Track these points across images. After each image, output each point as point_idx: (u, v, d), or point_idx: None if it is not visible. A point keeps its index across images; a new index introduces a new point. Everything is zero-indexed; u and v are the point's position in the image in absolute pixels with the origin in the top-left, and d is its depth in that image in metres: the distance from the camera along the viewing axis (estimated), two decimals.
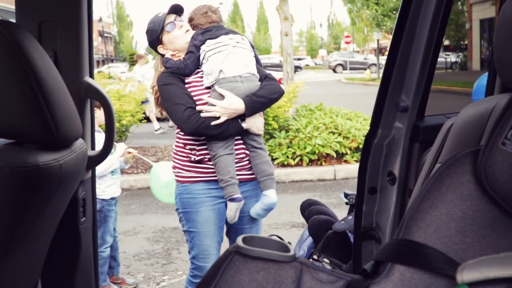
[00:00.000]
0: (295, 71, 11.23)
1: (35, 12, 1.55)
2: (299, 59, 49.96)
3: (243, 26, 77.16)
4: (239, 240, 1.02)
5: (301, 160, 7.71)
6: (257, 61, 2.93)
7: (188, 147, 2.88)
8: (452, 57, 25.48)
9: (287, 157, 7.70)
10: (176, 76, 2.83)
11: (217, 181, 2.83)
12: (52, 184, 1.24)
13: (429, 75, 2.14)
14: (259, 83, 2.83)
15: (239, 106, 2.73)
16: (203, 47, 2.79)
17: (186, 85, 2.83)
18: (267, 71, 2.98)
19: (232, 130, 2.78)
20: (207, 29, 2.85)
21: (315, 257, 2.83)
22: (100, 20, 51.76)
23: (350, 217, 2.74)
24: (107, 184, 3.83)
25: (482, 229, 0.98)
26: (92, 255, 1.75)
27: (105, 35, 56.77)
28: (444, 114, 2.27)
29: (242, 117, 2.78)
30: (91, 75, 1.67)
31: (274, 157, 7.72)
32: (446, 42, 25.18)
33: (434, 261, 0.98)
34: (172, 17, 2.87)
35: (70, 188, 1.41)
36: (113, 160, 3.81)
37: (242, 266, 1.00)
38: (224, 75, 2.73)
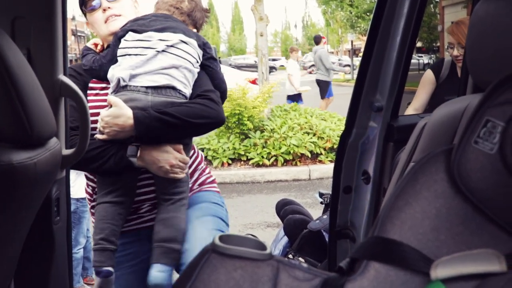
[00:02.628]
0: (270, 72, 11.26)
1: (8, 9, 1.52)
2: (274, 60, 50.03)
3: (218, 26, 77.10)
4: (216, 239, 1.02)
5: (276, 160, 7.73)
6: (211, 75, 2.10)
7: (89, 186, 2.16)
8: (425, 59, 25.82)
9: (262, 157, 7.71)
10: (84, 76, 2.09)
11: (135, 230, 2.09)
12: (26, 182, 1.22)
13: (403, 75, 2.17)
14: (182, 101, 1.96)
15: (126, 120, 1.87)
16: (122, 41, 2.01)
17: (89, 91, 2.07)
18: (212, 93, 2.03)
19: (112, 164, 1.93)
20: (145, 16, 2.08)
21: (290, 256, 2.85)
22: (74, 19, 51.18)
23: (325, 216, 2.77)
24: (82, 182, 3.79)
25: (455, 227, 1.00)
26: (66, 255, 1.73)
27: (78, 34, 56.16)
28: (417, 114, 2.30)
29: (135, 144, 1.94)
30: (66, 73, 1.66)
31: (249, 157, 7.72)
32: (418, 44, 25.50)
33: (409, 258, 0.99)
34: None
35: (44, 187, 1.39)
36: None
37: (219, 265, 1.00)
38: (125, 84, 1.92)
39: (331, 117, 8.89)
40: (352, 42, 34.11)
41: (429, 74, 3.40)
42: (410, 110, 3.34)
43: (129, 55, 1.96)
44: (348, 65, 35.91)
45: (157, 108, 1.90)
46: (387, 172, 2.19)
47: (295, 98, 11.15)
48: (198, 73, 2.05)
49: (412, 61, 2.23)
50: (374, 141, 2.22)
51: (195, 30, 2.16)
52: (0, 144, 1.21)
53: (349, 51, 41.65)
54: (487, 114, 0.96)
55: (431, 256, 0.99)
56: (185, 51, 1.99)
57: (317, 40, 12.66)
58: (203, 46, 2.08)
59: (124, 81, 1.91)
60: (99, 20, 2.10)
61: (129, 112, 1.87)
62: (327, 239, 2.61)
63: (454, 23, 3.26)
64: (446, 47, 3.31)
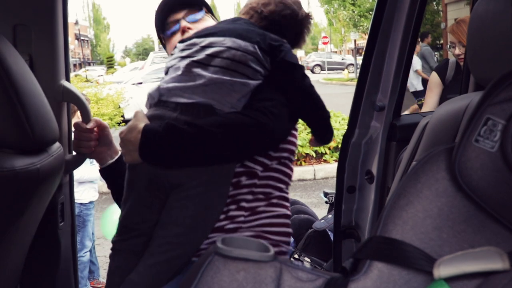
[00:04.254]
0: None
1: (9, 16, 1.53)
2: None
3: None
4: (218, 241, 1.03)
5: None
6: (283, 85, 1.57)
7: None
8: None
9: None
10: None
11: None
12: (29, 188, 1.23)
13: (404, 74, 2.17)
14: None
15: (137, 135, 1.44)
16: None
17: None
18: (262, 102, 1.50)
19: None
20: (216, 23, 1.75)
21: (296, 256, 2.85)
22: (77, 23, 51.36)
23: (330, 216, 2.77)
24: (85, 187, 3.82)
25: (458, 225, 1.00)
26: (72, 259, 1.74)
27: (82, 38, 56.34)
28: (420, 113, 2.30)
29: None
30: (67, 79, 1.67)
31: None
32: None
33: (412, 258, 0.99)
34: (180, 13, 1.79)
35: (48, 193, 1.40)
36: (94, 170, 3.83)
37: (222, 267, 1.00)
38: (154, 101, 1.55)
39: (335, 117, 8.88)
40: (355, 41, 34.04)
41: (434, 77, 3.38)
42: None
43: (169, 68, 1.61)
44: (352, 64, 35.86)
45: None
46: (390, 171, 2.19)
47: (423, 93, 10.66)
48: (261, 83, 1.55)
49: (417, 58, 2.23)
50: (377, 141, 2.22)
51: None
52: (2, 150, 1.22)
53: (352, 50, 41.61)
54: (487, 112, 0.96)
55: (433, 255, 0.99)
56: (235, 61, 1.53)
57: (422, 37, 11.96)
58: (272, 49, 1.59)
59: (153, 98, 1.56)
60: (175, 45, 1.72)
61: (141, 125, 1.46)
62: (332, 239, 2.62)
63: (454, 22, 3.24)
64: (448, 46, 3.28)
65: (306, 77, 1.60)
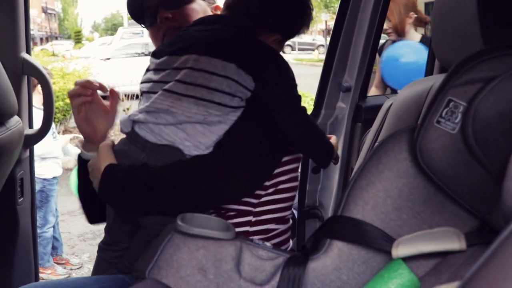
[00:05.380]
0: None
1: None
2: None
3: None
4: (178, 219, 1.02)
5: None
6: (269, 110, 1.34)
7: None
8: None
9: None
10: None
11: None
12: None
13: (371, 56, 2.18)
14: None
15: (99, 176, 1.31)
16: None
17: None
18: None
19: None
20: (195, 21, 1.46)
21: None
22: None
23: None
24: (49, 163, 3.76)
25: (417, 206, 1.01)
26: (31, 236, 1.71)
27: (49, 11, 55.08)
28: (385, 95, 2.31)
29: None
30: (28, 51, 1.62)
31: None
32: None
33: (372, 237, 1.00)
34: None
35: (5, 167, 1.37)
36: (56, 146, 3.77)
37: (181, 244, 1.00)
38: (127, 130, 1.38)
39: (304, 97, 8.89)
40: (326, 22, 34.08)
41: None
42: (373, 89, 3.42)
43: (143, 93, 1.41)
44: (322, 45, 35.88)
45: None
46: (355, 152, 2.20)
47: None
48: (241, 115, 1.33)
49: (383, 41, 2.24)
50: (342, 122, 2.23)
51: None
52: None
53: (323, 31, 41.64)
54: (449, 94, 0.96)
55: (393, 235, 1.00)
56: (210, 88, 1.30)
57: None
58: (255, 64, 1.35)
59: (126, 127, 1.37)
60: (155, 36, 1.56)
61: (104, 165, 1.31)
62: (296, 217, 2.63)
63: None
64: None
65: (295, 98, 1.38)
